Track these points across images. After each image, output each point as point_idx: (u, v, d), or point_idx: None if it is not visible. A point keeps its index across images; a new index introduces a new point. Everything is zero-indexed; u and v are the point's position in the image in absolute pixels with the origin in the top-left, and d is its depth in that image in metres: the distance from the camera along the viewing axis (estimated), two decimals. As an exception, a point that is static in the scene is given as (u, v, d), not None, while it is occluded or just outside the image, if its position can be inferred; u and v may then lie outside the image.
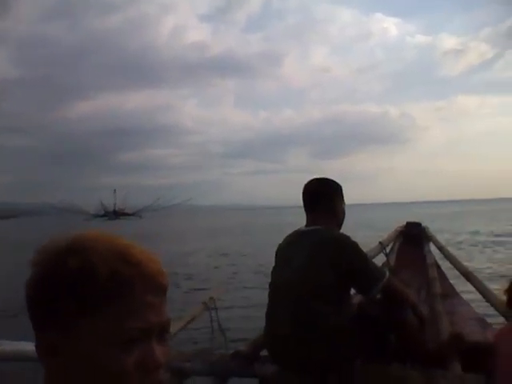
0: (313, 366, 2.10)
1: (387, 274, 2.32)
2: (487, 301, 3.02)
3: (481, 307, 3.49)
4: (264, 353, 2.46)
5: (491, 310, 2.98)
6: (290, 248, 2.34)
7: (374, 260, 3.84)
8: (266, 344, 2.38)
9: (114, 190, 79.25)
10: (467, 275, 3.44)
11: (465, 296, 3.67)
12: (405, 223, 4.78)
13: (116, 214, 69.90)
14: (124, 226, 43.67)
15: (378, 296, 2.28)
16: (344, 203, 2.47)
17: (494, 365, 1.90)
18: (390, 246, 4.32)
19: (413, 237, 4.50)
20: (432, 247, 4.33)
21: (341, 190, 2.47)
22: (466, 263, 4.02)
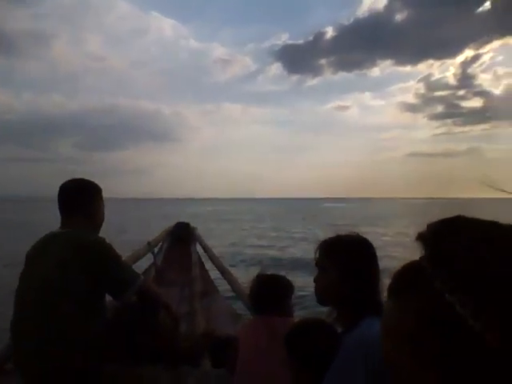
0: (59, 375, 2.00)
1: (141, 277, 2.34)
2: (238, 296, 3.32)
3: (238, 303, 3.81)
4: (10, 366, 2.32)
5: (242, 305, 3.28)
6: (40, 252, 2.20)
7: (141, 260, 3.86)
8: (12, 356, 2.21)
9: None
10: (224, 273, 3.74)
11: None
12: (174, 223, 4.96)
13: None
14: None
15: (133, 299, 2.28)
16: (103, 205, 2.42)
17: (236, 357, 2.08)
18: (158, 246, 4.42)
19: (181, 237, 4.71)
20: (198, 247, 4.60)
21: (100, 192, 2.41)
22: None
